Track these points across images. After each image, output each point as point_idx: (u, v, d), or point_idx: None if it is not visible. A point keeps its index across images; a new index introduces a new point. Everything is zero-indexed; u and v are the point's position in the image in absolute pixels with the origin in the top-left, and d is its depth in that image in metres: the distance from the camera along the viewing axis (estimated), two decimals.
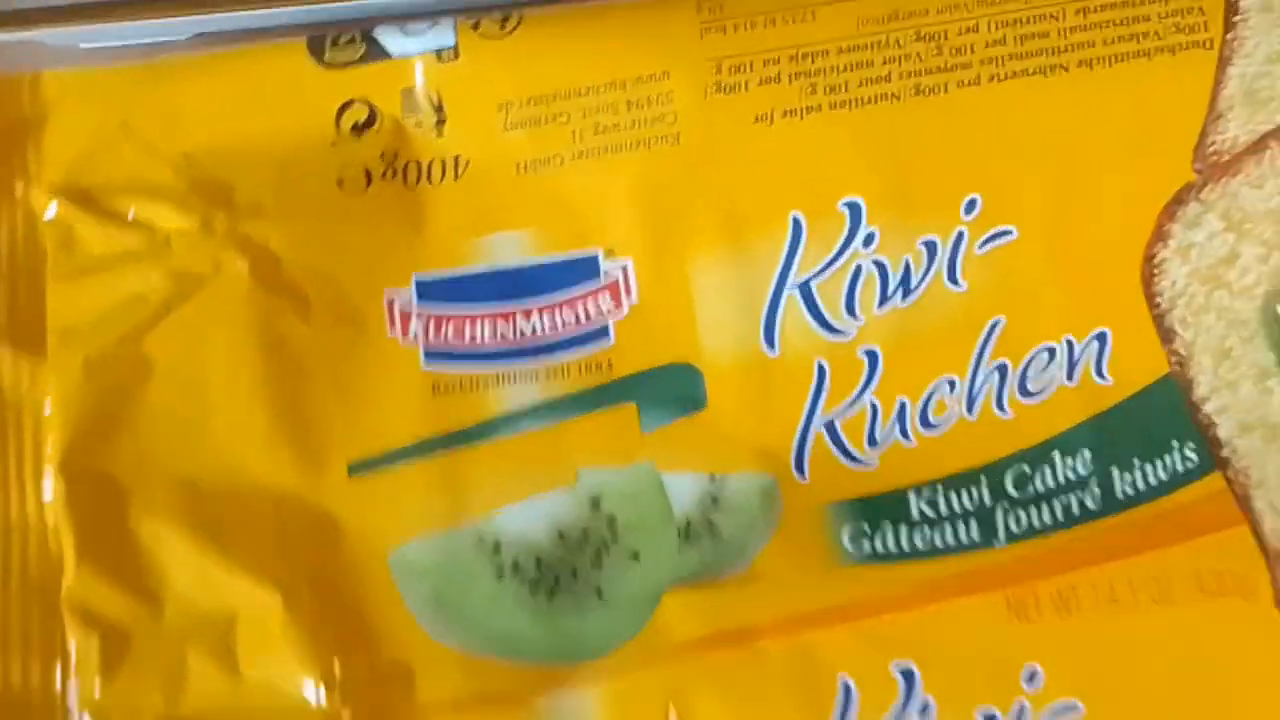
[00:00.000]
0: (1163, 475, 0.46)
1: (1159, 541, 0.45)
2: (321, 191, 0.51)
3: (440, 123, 0.51)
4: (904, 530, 0.46)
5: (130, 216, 0.51)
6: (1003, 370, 0.47)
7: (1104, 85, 0.50)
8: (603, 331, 0.49)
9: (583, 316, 0.49)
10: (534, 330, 0.49)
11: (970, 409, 0.47)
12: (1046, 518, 0.46)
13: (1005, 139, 0.50)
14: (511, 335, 0.49)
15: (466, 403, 0.49)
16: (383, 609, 0.47)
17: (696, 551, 0.47)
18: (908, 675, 0.44)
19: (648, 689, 0.45)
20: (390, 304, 0.49)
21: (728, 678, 0.45)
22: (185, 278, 0.50)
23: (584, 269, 0.50)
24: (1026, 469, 0.47)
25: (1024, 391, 0.47)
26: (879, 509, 0.47)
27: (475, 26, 0.52)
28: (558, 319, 0.49)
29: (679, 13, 0.51)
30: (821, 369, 0.48)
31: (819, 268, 0.49)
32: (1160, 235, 0.48)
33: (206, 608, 0.47)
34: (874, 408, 0.47)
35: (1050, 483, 0.47)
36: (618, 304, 0.49)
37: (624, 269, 0.49)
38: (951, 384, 0.47)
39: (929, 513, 0.46)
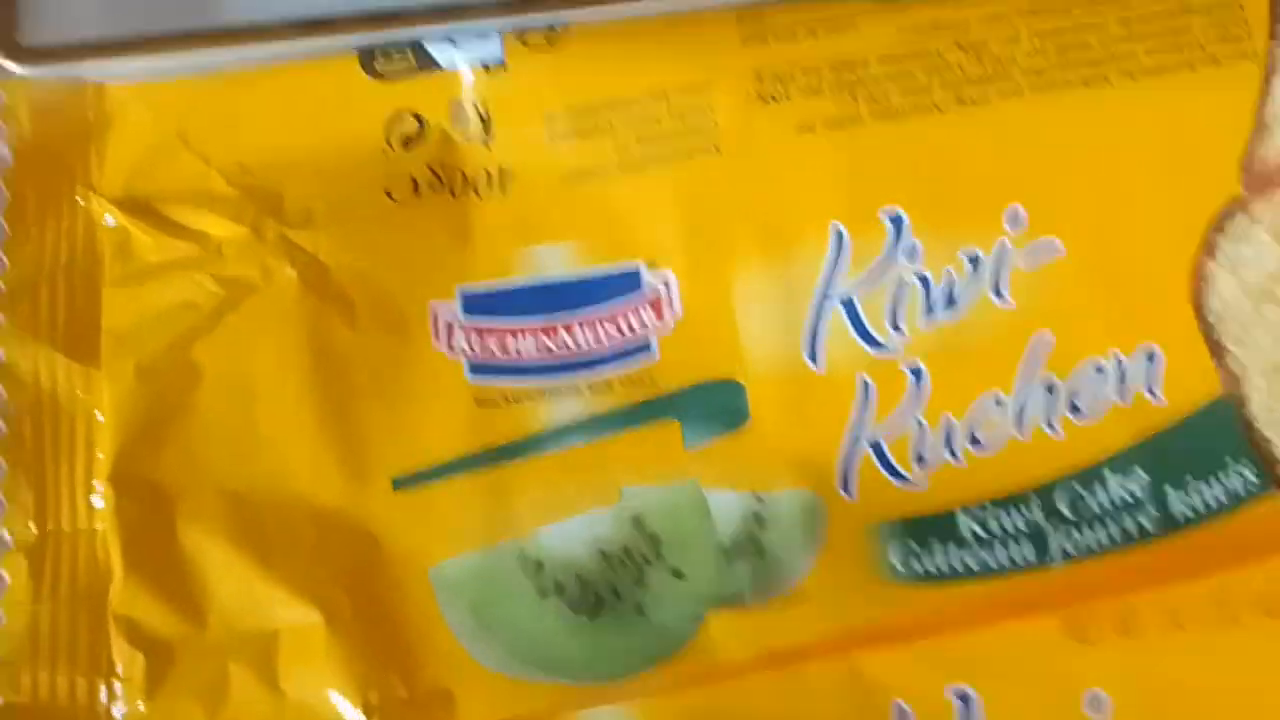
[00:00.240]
0: (1221, 496, 0.37)
1: (1221, 563, 0.37)
2: (370, 201, 0.43)
3: (487, 134, 0.43)
4: (954, 550, 0.37)
5: (185, 225, 0.42)
6: (1051, 388, 0.38)
7: (1147, 96, 0.42)
8: (645, 345, 0.41)
9: (626, 329, 0.39)
10: (577, 344, 0.40)
11: (1020, 427, 0.37)
12: (1103, 538, 0.37)
13: (1048, 150, 0.41)
14: (555, 349, 0.40)
15: (510, 417, 0.41)
16: (423, 627, 0.39)
17: (741, 570, 0.38)
18: (964, 699, 0.36)
19: (688, 709, 0.36)
20: (435, 315, 0.40)
21: (774, 700, 0.37)
22: (235, 284, 0.42)
23: (627, 281, 0.42)
24: (1079, 489, 0.37)
25: (1074, 410, 0.38)
26: (928, 529, 0.38)
27: (522, 39, 0.43)
28: (601, 332, 0.40)
29: (720, 24, 0.43)
30: (866, 385, 0.40)
31: (861, 280, 0.41)
32: (1208, 249, 0.38)
33: (250, 622, 0.39)
34: (920, 425, 0.38)
35: (1104, 503, 0.38)
36: (660, 317, 0.40)
37: (666, 281, 0.41)
38: (999, 401, 0.38)
39: (980, 533, 0.38)
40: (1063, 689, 0.37)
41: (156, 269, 0.42)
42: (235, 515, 0.40)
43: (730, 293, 0.41)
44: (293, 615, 0.39)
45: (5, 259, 0.43)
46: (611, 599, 0.38)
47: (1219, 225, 0.40)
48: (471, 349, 0.41)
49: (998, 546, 0.39)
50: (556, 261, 0.42)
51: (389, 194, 0.43)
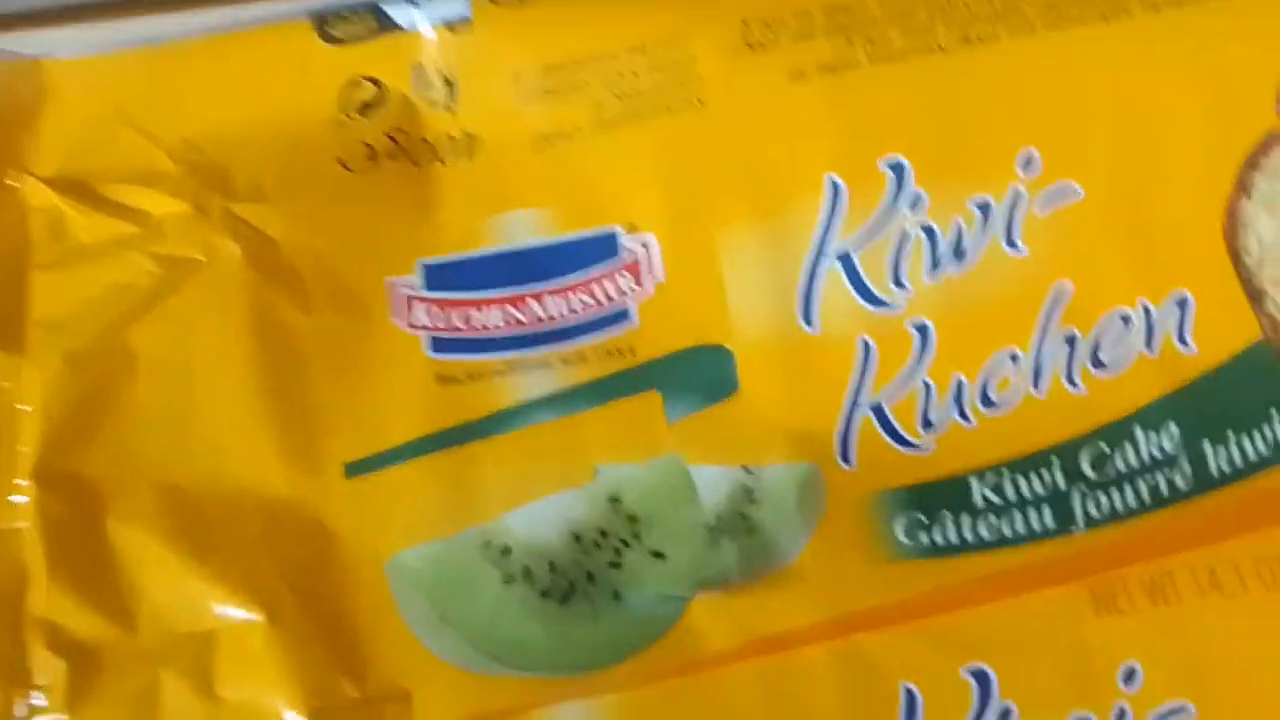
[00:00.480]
0: (1263, 449, 0.34)
1: (1265, 520, 0.34)
2: (323, 172, 0.41)
3: (451, 98, 0.41)
4: (966, 520, 0.34)
5: (124, 204, 0.40)
6: (1071, 341, 0.35)
7: (1171, 27, 0.39)
8: (623, 314, 0.38)
9: (602, 298, 0.37)
10: (549, 314, 0.37)
11: (1037, 384, 0.34)
12: (1131, 500, 0.34)
13: (1063, 90, 0.39)
14: (524, 320, 0.37)
15: (475, 394, 0.39)
16: (377, 623, 0.36)
17: (728, 550, 0.35)
18: (981, 678, 0.32)
19: (669, 701, 0.32)
20: (394, 290, 0.38)
21: (764, 689, 0.33)
22: (175, 264, 0.40)
23: (602, 247, 0.40)
24: (1105, 447, 0.35)
25: (1097, 363, 0.35)
26: (937, 497, 0.35)
27: None
28: (575, 301, 0.37)
29: None
30: (867, 346, 0.37)
31: (860, 235, 0.38)
32: (1242, 187, 0.36)
33: (184, 624, 0.37)
34: (927, 387, 0.35)
35: (1133, 462, 0.34)
36: (639, 283, 0.37)
37: (646, 245, 0.38)
38: (1014, 358, 0.35)
39: (994, 499, 0.34)
40: (1091, 663, 0.34)
41: (91, 250, 0.40)
42: (171, 510, 0.38)
43: (716, 254, 0.39)
44: (231, 614, 0.37)
45: None
46: (585, 584, 0.36)
47: (1255, 161, 0.37)
48: (433, 323, 0.39)
49: (1015, 514, 0.35)
50: (527, 229, 0.40)
51: (344, 164, 0.40)
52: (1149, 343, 0.36)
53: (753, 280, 0.38)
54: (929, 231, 0.37)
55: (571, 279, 0.39)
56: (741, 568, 0.35)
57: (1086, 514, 0.35)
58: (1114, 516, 0.35)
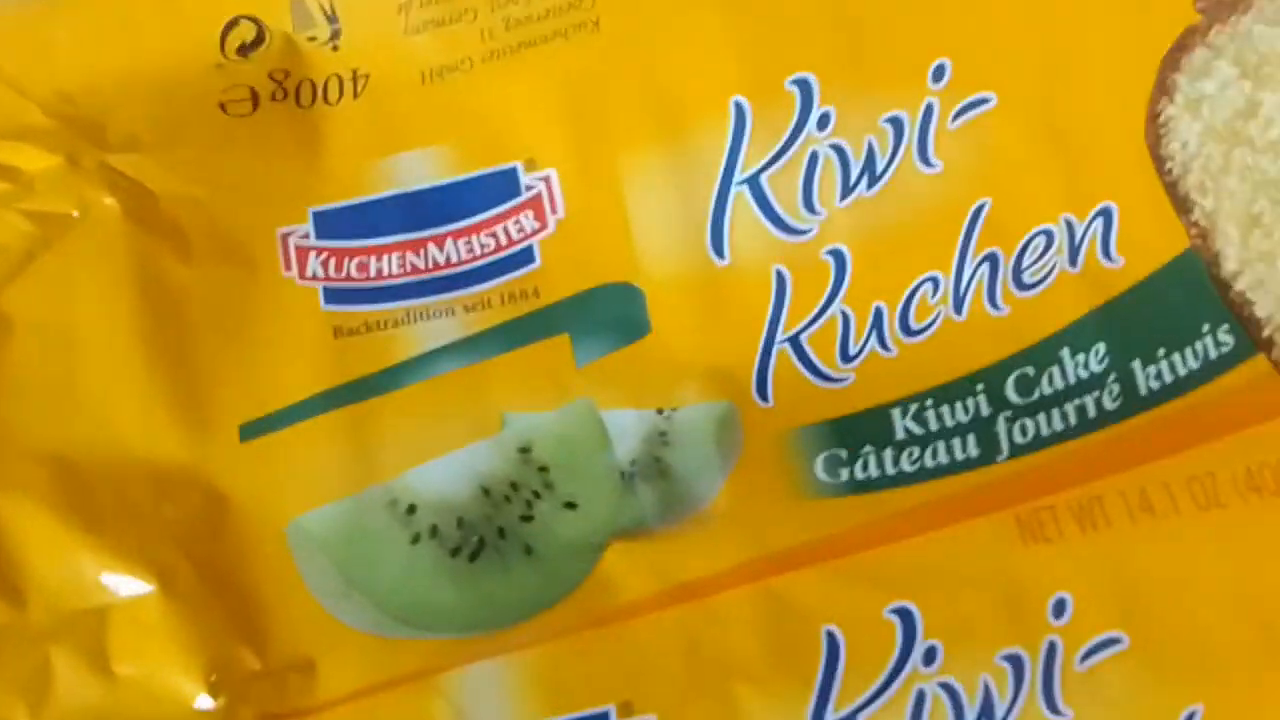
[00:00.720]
0: (1194, 364, 0.34)
1: (1197, 438, 0.34)
2: (202, 118, 0.40)
3: (335, 34, 0.39)
4: (889, 453, 0.33)
5: None
6: (993, 261, 0.34)
7: None
8: (527, 254, 0.37)
9: (503, 239, 0.36)
10: (448, 259, 0.37)
11: (959, 309, 0.33)
12: (1058, 424, 0.34)
13: None
14: (423, 265, 0.36)
15: (373, 346, 0.38)
16: (278, 591, 0.36)
17: (644, 496, 0.34)
18: (905, 617, 0.32)
19: (585, 654, 0.32)
20: (285, 240, 0.36)
21: (686, 636, 0.33)
22: (48, 220, 0.38)
23: (502, 185, 0.38)
24: (1030, 371, 0.34)
25: (1019, 284, 0.34)
26: (857, 431, 0.34)
27: None
28: (475, 244, 0.36)
29: None
30: (781, 277, 0.36)
31: (768, 159, 0.38)
32: (1164, 89, 0.35)
33: (75, 601, 0.36)
34: (845, 317, 0.34)
35: (1059, 384, 0.34)
36: (542, 221, 0.36)
37: (547, 181, 0.37)
38: (934, 282, 0.34)
39: (916, 430, 0.33)
40: (1020, 596, 0.33)
41: None
42: (55, 481, 0.36)
43: (620, 186, 0.38)
44: (124, 587, 0.36)
45: None
46: (495, 540, 0.35)
47: (1175, 62, 0.36)
48: (327, 273, 0.38)
49: (938, 444, 0.35)
50: (421, 170, 0.39)
51: (224, 108, 0.39)
52: (1073, 259, 0.36)
53: (659, 213, 0.38)
54: (839, 151, 0.37)
55: (471, 221, 0.38)
56: (658, 513, 0.35)
57: (1012, 441, 0.35)
58: (1041, 442, 0.35)
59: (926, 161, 0.36)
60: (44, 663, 0.35)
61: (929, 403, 0.35)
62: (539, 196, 0.38)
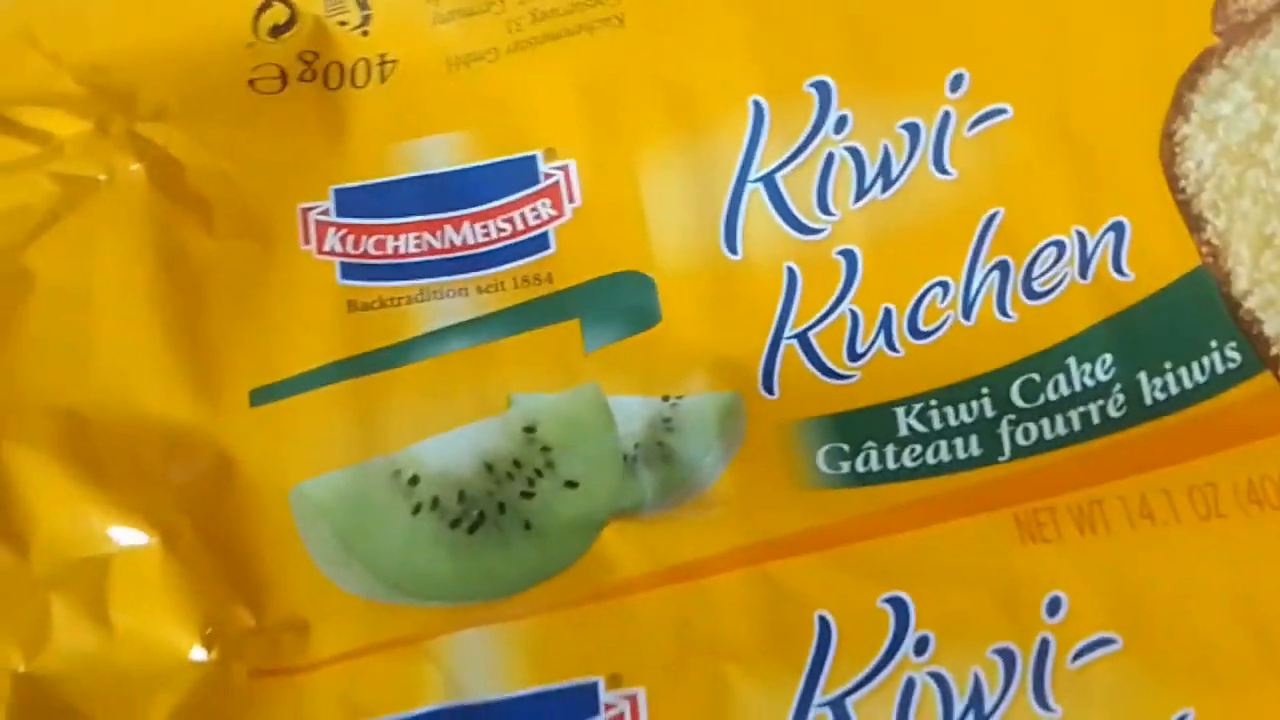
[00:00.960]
0: (1200, 377, 0.34)
1: (1200, 449, 0.35)
2: (232, 94, 0.41)
3: (365, 20, 0.40)
4: (891, 449, 0.34)
5: (24, 125, 0.40)
6: (1004, 269, 0.35)
7: None
8: (541, 240, 0.38)
9: (519, 224, 0.37)
10: (464, 240, 0.37)
11: (967, 314, 0.34)
12: (1061, 429, 0.34)
13: (994, 8, 0.39)
14: (439, 246, 0.37)
15: (385, 321, 0.38)
16: (278, 552, 0.36)
17: (645, 479, 0.35)
18: (899, 607, 0.32)
19: (577, 626, 0.32)
20: (305, 215, 0.38)
21: (678, 615, 0.33)
22: (74, 183, 0.39)
23: (521, 172, 0.39)
24: (1036, 377, 0.35)
25: (1029, 293, 0.35)
26: (861, 425, 0.35)
27: None
28: (491, 228, 0.37)
29: None
30: (792, 274, 0.37)
31: (785, 158, 0.38)
32: (1180, 108, 0.36)
33: (77, 550, 0.36)
34: (854, 316, 0.35)
35: (1065, 391, 0.35)
36: (558, 209, 0.37)
37: (565, 170, 0.38)
38: (944, 286, 0.35)
39: (919, 428, 0.34)
40: (1015, 592, 0.34)
41: None
42: (65, 434, 0.37)
43: (637, 179, 0.39)
44: (126, 539, 0.36)
45: None
46: (495, 514, 0.35)
47: (1191, 82, 0.37)
48: (344, 249, 0.39)
49: (940, 442, 0.36)
50: (443, 155, 0.40)
51: (253, 85, 0.40)
52: (1084, 271, 0.36)
53: (675, 206, 0.38)
54: (855, 154, 0.37)
55: (489, 205, 0.39)
56: (657, 496, 0.35)
57: (1014, 442, 0.35)
58: (1043, 445, 0.35)
59: (941, 169, 0.37)
60: (43, 609, 0.35)
61: (934, 403, 0.36)
62: (557, 185, 0.38)
